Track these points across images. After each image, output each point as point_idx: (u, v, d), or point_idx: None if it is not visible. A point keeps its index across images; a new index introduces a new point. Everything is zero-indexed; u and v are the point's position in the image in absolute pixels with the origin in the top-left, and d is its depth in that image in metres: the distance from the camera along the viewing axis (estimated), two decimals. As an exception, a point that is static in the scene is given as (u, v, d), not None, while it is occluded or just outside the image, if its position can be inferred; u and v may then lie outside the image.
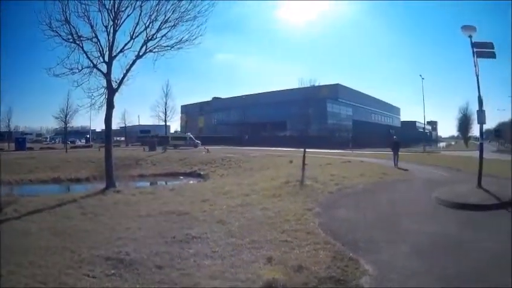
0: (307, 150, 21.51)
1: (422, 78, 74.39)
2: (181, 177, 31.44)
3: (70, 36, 17.18)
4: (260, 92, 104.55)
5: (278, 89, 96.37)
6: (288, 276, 5.93)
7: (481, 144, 16.43)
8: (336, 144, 64.52)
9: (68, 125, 55.83)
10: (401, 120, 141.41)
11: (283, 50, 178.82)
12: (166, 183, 26.10)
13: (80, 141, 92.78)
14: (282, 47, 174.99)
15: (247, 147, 59.13)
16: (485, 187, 14.61)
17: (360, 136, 75.54)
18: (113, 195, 14.90)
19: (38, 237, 8.28)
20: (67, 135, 64.88)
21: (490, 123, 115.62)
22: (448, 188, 15.63)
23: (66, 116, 53.25)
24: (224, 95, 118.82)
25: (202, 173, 32.91)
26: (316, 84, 27.21)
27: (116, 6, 17.20)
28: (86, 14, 17.15)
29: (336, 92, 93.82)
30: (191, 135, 74.47)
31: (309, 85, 26.02)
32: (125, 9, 17.38)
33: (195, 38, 18.30)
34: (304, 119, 24.86)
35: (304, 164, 19.42)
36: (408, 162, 30.64)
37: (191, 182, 26.10)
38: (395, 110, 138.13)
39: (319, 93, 56.70)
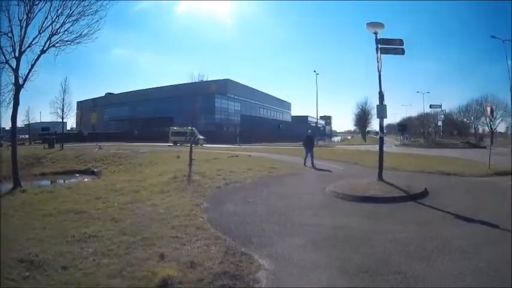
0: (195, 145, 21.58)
1: (317, 74, 78.87)
2: (77, 175, 31.59)
3: None
4: (151, 87, 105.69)
5: (168, 84, 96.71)
6: (182, 272, 6.08)
7: (381, 138, 16.87)
8: (223, 139, 67.28)
9: (-17, 124, 53.63)
10: (293, 115, 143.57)
11: (181, 45, 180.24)
12: (64, 182, 25.53)
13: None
14: (180, 43, 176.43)
15: (137, 143, 59.05)
16: (387, 180, 15.04)
17: (248, 131, 76.79)
18: (20, 195, 14.71)
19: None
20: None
21: (394, 118, 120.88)
22: (346, 181, 16.02)
23: (-17, 115, 51.08)
24: (120, 90, 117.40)
25: (95, 170, 33.44)
26: (207, 79, 27.12)
27: None
28: (7, 7, 16.91)
29: (225, 87, 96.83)
30: (194, 130, 64.57)
31: (198, 80, 25.63)
32: (38, 3, 17.20)
33: (93, 32, 18.43)
34: (191, 114, 24.53)
35: (191, 159, 19.82)
36: (300, 156, 30.68)
37: (86, 179, 25.59)
38: (286, 105, 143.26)
39: (208, 88, 57.17)
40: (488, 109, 30.73)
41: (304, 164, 24.29)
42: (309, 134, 28.05)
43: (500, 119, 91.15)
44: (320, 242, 8.09)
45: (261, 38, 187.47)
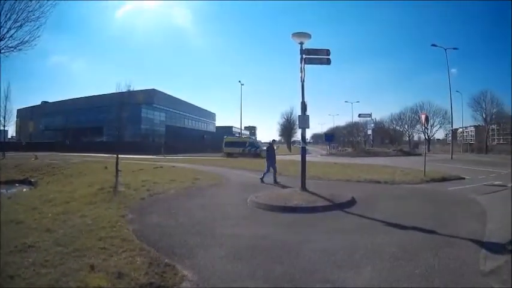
0: (121, 155, 21.24)
1: (242, 84, 79.97)
2: (17, 185, 30.68)
3: None
4: (82, 96, 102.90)
5: (99, 94, 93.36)
6: (111, 283, 6.12)
7: (303, 148, 16.23)
8: (149, 150, 66.09)
9: None
10: (217, 125, 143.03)
11: (113, 53, 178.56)
12: (6, 191, 24.94)
13: None
14: (112, 51, 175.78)
15: (68, 153, 57.32)
16: (311, 189, 14.93)
17: (173, 141, 76.23)
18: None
19: None
20: None
21: (322, 128, 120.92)
22: (268, 192, 16.11)
23: None
24: (57, 98, 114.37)
25: (32, 180, 32.38)
26: (133, 89, 26.81)
27: None
28: None
29: (151, 97, 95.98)
30: (253, 139, 60.26)
31: (125, 90, 25.37)
32: None
33: (34, 39, 18.26)
34: (118, 124, 24.20)
35: (117, 170, 19.48)
36: (222, 166, 31.56)
37: (24, 189, 25.47)
38: (211, 116, 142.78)
39: (135, 98, 56.52)
40: (423, 117, 31.15)
41: (261, 179, 20.74)
42: (271, 144, 23.88)
43: (438, 125, 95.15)
44: (242, 252, 8.06)
45: (187, 46, 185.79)
